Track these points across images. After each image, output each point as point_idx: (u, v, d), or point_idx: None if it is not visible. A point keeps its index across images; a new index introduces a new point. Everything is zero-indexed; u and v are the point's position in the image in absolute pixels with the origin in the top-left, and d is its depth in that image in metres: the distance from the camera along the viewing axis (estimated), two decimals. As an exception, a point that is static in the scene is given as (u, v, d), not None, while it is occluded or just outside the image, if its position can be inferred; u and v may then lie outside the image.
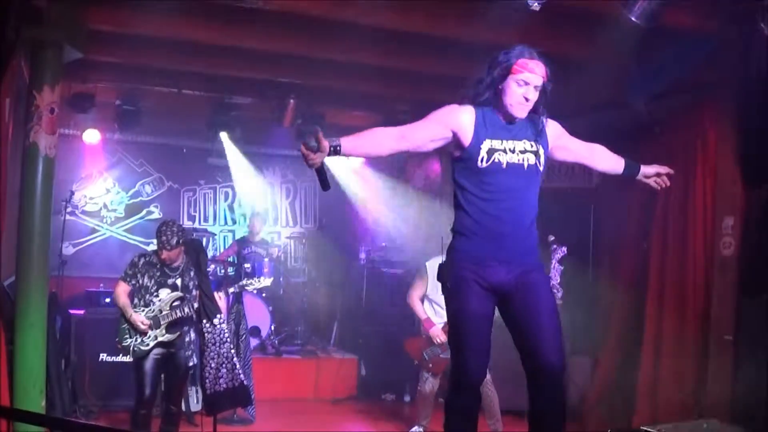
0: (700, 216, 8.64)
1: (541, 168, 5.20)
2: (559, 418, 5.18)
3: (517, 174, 5.08)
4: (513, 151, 5.08)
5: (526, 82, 5.05)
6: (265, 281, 9.02)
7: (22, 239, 7.98)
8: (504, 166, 5.04)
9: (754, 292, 7.96)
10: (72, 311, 10.32)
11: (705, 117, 8.68)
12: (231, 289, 8.68)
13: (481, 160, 5.03)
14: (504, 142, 5.09)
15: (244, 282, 8.82)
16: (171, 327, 7.78)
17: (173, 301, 7.81)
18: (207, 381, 7.20)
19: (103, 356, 9.91)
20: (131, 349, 7.72)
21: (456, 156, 5.19)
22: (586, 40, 8.14)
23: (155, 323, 7.73)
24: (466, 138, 5.11)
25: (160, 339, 7.73)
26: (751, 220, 8.20)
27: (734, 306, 8.20)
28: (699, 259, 8.60)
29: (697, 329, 8.52)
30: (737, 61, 7.76)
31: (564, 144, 5.48)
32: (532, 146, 5.15)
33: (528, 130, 5.20)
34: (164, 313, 7.77)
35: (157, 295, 7.82)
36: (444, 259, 5.36)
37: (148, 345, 7.70)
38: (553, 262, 8.35)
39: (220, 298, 8.17)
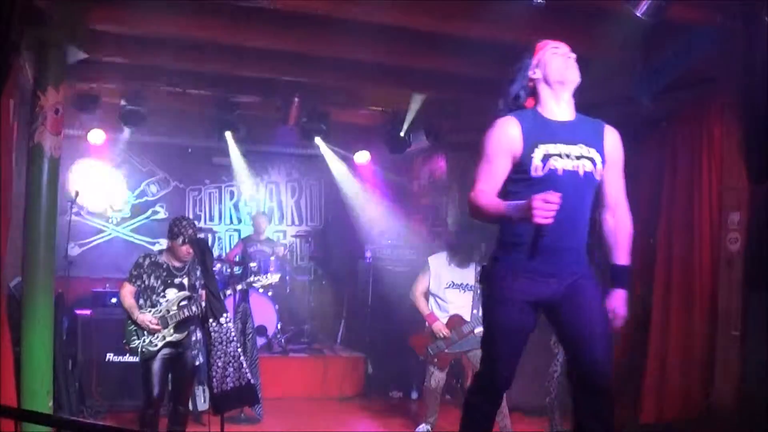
0: (706, 211, 8.61)
1: (598, 177, 4.94)
2: None
3: (574, 182, 4.80)
4: (569, 156, 4.80)
5: (556, 47, 4.97)
6: (273, 277, 9.04)
7: (27, 240, 7.99)
8: (560, 173, 4.77)
9: (761, 288, 7.94)
10: (78, 311, 10.34)
11: (710, 112, 8.65)
12: (239, 286, 8.70)
13: (535, 169, 4.77)
14: (558, 146, 4.82)
15: (251, 279, 8.84)
16: (179, 326, 7.79)
17: (180, 301, 7.83)
18: (214, 380, 7.18)
19: (110, 356, 9.92)
20: (139, 350, 7.72)
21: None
22: (591, 36, 8.12)
23: (163, 323, 7.73)
24: (518, 150, 4.84)
25: (168, 339, 7.74)
26: (757, 216, 8.18)
27: (741, 301, 8.17)
28: (705, 254, 8.58)
29: (704, 325, 8.50)
30: (742, 56, 7.74)
31: (608, 172, 5.05)
32: (588, 152, 4.87)
33: (584, 133, 4.95)
34: (172, 312, 7.78)
35: (164, 296, 7.83)
36: (488, 266, 5.17)
37: (156, 345, 7.71)
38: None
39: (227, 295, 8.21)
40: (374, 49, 9.35)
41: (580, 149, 4.85)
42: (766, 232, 8.03)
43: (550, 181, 4.69)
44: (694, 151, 8.72)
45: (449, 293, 9.22)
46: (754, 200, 8.18)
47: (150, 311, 7.76)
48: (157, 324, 7.70)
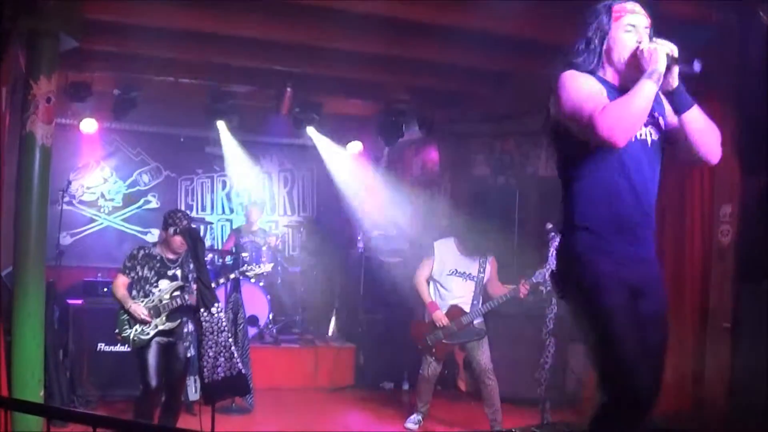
0: (698, 204, 8.63)
1: (663, 145, 4.52)
2: None
3: (645, 151, 4.38)
4: None
5: (633, 25, 4.38)
6: (266, 267, 9.02)
7: (19, 229, 7.97)
8: (632, 140, 4.24)
9: (752, 280, 7.96)
10: (70, 301, 10.30)
11: (703, 105, 8.65)
12: (232, 275, 8.70)
13: None
14: None
15: (244, 268, 8.82)
16: (171, 316, 7.81)
17: (173, 291, 7.85)
18: (205, 370, 7.16)
19: (101, 346, 9.90)
20: (131, 339, 7.73)
21: (572, 135, 4.33)
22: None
23: (155, 312, 7.74)
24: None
25: (161, 328, 7.74)
26: (748, 208, 8.20)
27: (732, 294, 8.19)
28: (697, 247, 8.60)
29: (696, 317, 8.52)
30: (736, 50, 7.76)
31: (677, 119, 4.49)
32: (652, 118, 4.39)
33: None
34: (164, 302, 7.79)
35: (156, 286, 7.85)
36: (561, 262, 4.58)
37: (148, 334, 7.71)
38: (552, 249, 8.34)
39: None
40: (368, 39, 9.36)
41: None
42: (757, 224, 8.05)
43: (625, 148, 4.18)
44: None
45: (451, 280, 9.19)
46: (746, 193, 8.21)
47: (143, 301, 7.77)
48: (149, 315, 7.71)
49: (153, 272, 7.87)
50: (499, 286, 9.20)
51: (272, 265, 9.59)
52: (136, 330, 7.72)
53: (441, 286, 9.25)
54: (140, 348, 7.72)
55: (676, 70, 4.24)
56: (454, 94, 12.25)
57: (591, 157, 4.30)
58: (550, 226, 8.29)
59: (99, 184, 14.53)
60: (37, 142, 7.95)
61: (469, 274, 9.19)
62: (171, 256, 7.94)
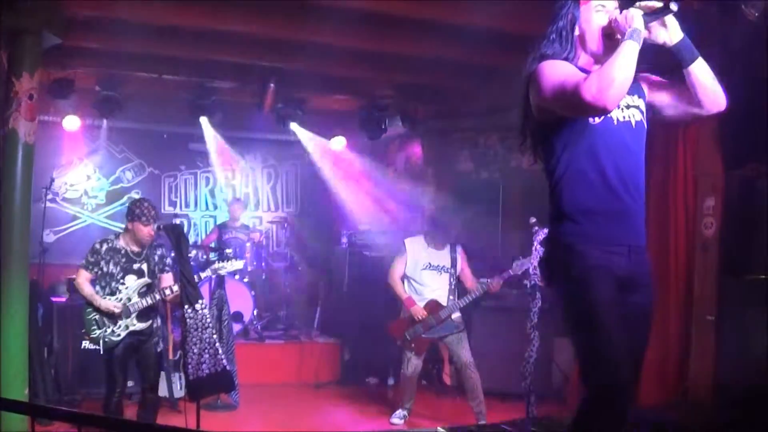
0: (681, 197, 8.67)
1: (646, 125, 4.42)
2: None
3: (629, 133, 4.29)
4: (618, 106, 4.16)
5: (602, 5, 4.31)
6: (237, 264, 8.85)
7: (2, 227, 7.95)
8: (615, 123, 4.23)
9: (736, 272, 8.00)
10: (54, 299, 10.29)
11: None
12: (203, 274, 8.44)
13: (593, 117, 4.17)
14: None
15: (216, 265, 8.68)
16: (141, 315, 7.67)
17: (140, 288, 7.73)
18: (189, 367, 7.15)
19: (86, 344, 9.84)
20: (101, 340, 7.59)
21: (553, 118, 4.25)
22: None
23: (125, 312, 7.61)
24: None
25: (132, 329, 7.64)
26: (731, 201, 8.25)
27: (716, 286, 8.24)
28: (681, 239, 8.63)
29: (680, 309, 8.56)
30: (717, 43, 7.77)
31: (657, 86, 4.52)
32: (633, 100, 4.34)
33: None
34: (133, 301, 7.66)
35: (123, 283, 7.70)
36: (549, 250, 4.48)
37: (119, 336, 7.60)
38: (535, 243, 8.36)
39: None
40: (351, 34, 9.33)
41: (626, 97, 4.22)
42: (740, 217, 8.09)
43: (607, 131, 4.20)
44: (670, 137, 8.76)
45: (426, 275, 9.25)
46: (729, 186, 8.26)
47: (108, 299, 7.63)
48: (122, 312, 7.60)
49: (118, 267, 7.70)
50: (471, 278, 9.26)
51: (243, 261, 9.39)
52: (106, 330, 7.60)
53: (416, 281, 9.30)
54: (109, 348, 7.63)
55: (674, 23, 4.25)
56: (437, 88, 12.25)
57: (576, 142, 4.22)
58: (533, 220, 8.31)
59: (82, 181, 14.49)
60: (19, 140, 7.94)
61: (443, 266, 9.26)
62: (136, 249, 7.78)
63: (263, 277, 13.50)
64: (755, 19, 7.23)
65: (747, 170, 8.07)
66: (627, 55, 3.98)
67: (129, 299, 7.67)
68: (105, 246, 7.77)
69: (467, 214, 10.11)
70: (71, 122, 12.90)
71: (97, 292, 7.66)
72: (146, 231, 7.67)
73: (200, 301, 7.32)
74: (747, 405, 7.32)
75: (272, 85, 11.53)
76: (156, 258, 7.84)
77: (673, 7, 4.15)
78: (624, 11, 4.16)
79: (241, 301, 12.14)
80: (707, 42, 7.96)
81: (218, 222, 14.74)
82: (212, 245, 13.08)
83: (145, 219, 7.65)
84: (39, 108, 8.34)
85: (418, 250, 9.34)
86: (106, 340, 7.59)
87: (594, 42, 4.33)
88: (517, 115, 4.50)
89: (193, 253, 11.63)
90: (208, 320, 7.33)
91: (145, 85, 11.85)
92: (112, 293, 7.66)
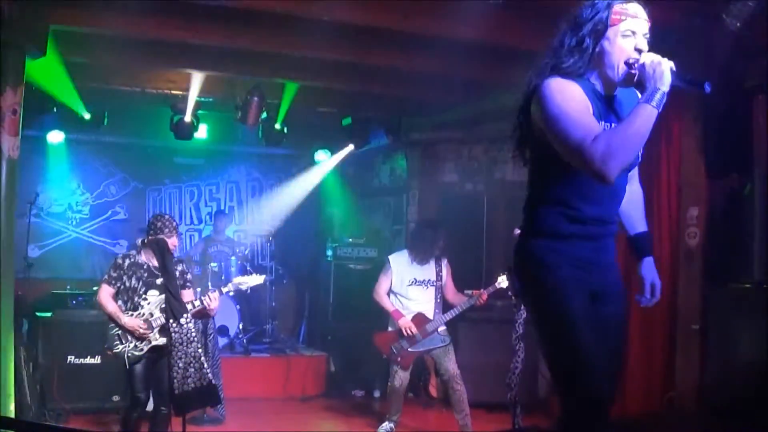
0: (665, 207, 8.70)
1: (640, 159, 4.28)
2: None
3: (620, 178, 3.96)
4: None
5: (633, 32, 4.00)
6: (258, 279, 8.76)
7: (-14, 242, 7.93)
8: None
9: (720, 282, 8.03)
10: (39, 314, 10.25)
11: (669, 110, 8.67)
12: (225, 289, 8.38)
13: None
14: (605, 124, 4.02)
15: (238, 279, 8.62)
16: (162, 330, 7.62)
17: (162, 303, 7.64)
18: (175, 381, 7.13)
19: (71, 358, 9.83)
20: (125, 355, 7.55)
21: (548, 144, 3.98)
22: (552, 35, 8.16)
23: (148, 327, 7.60)
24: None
25: (154, 343, 7.62)
26: (715, 211, 8.29)
27: (700, 295, 8.26)
28: (665, 249, 8.65)
29: (664, 319, 8.57)
30: (700, 54, 7.81)
31: None
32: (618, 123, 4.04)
33: (629, 107, 4.04)
34: (155, 316, 7.64)
35: (145, 298, 7.69)
36: (517, 262, 4.35)
37: (142, 350, 7.59)
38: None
39: (216, 299, 8.05)
40: (334, 47, 9.34)
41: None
42: (724, 226, 8.13)
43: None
44: (653, 147, 8.79)
45: (412, 290, 9.24)
46: (713, 195, 8.30)
47: (131, 314, 7.63)
48: (147, 329, 7.59)
49: (141, 282, 7.70)
50: (453, 291, 9.28)
51: (264, 277, 9.31)
52: (128, 346, 7.56)
53: (402, 296, 9.29)
54: (133, 363, 7.60)
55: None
56: (421, 101, 12.26)
57: (565, 174, 4.00)
58: (517, 231, 8.31)
59: (66, 195, 14.48)
60: (3, 155, 7.91)
61: (429, 280, 9.26)
62: (157, 264, 7.76)
63: (248, 290, 13.47)
64: (737, 30, 7.27)
65: (730, 180, 8.12)
66: (643, 124, 3.78)
67: (152, 314, 7.66)
68: (127, 261, 7.77)
69: (452, 226, 10.10)
70: (55, 137, 12.88)
71: (119, 307, 7.65)
72: (170, 243, 7.73)
73: (185, 315, 7.32)
74: (732, 414, 7.34)
75: (256, 98, 11.51)
76: (177, 273, 7.82)
77: (707, 88, 4.00)
78: (653, 57, 3.92)
79: (226, 314, 12.14)
80: (690, 53, 8.04)
81: (203, 235, 14.75)
82: (195, 259, 13.09)
83: (168, 231, 7.72)
84: (22, 123, 8.32)
85: (403, 267, 9.32)
86: (130, 355, 7.57)
87: (613, 68, 4.06)
88: (515, 116, 4.27)
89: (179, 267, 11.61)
90: (194, 334, 7.32)
91: (129, 99, 11.83)
92: (135, 308, 7.67)
